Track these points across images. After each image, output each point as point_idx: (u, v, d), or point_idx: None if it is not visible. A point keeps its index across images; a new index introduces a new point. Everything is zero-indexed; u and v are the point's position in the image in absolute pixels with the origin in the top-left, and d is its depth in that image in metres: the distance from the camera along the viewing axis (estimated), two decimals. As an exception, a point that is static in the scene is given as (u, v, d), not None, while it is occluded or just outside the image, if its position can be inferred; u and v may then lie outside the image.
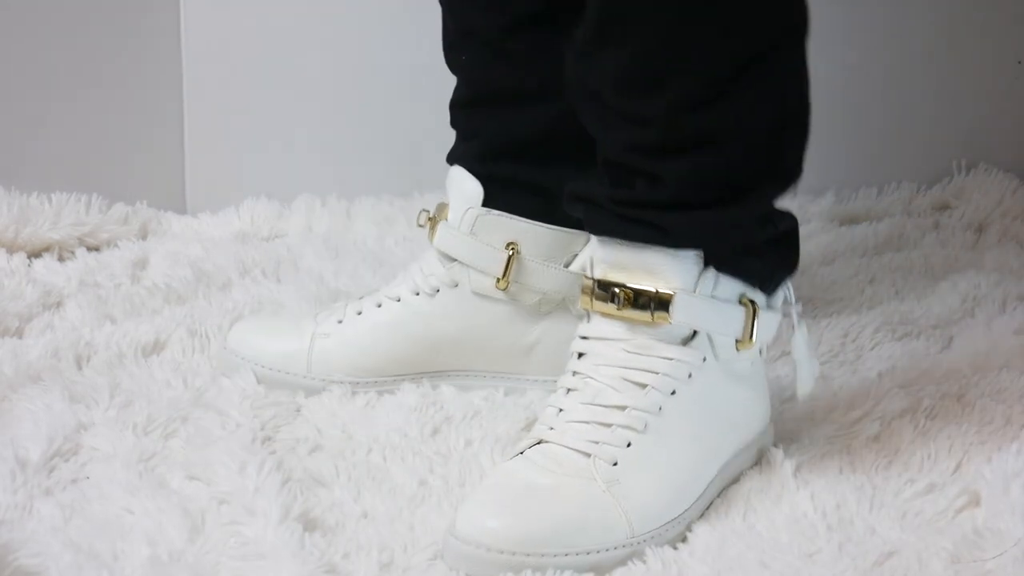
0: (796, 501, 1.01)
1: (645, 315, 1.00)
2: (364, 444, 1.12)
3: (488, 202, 1.19)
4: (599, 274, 1.02)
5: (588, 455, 0.97)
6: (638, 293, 1.00)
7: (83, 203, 1.60)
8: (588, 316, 1.03)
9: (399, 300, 1.22)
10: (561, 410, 1.01)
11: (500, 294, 1.20)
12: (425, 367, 1.22)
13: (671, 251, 1.00)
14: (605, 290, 1.01)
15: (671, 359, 1.01)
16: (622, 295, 1.00)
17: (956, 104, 1.81)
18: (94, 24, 1.65)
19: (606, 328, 1.02)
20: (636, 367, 1.00)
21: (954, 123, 1.81)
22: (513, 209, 1.19)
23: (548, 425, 1.00)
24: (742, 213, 1.01)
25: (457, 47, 1.22)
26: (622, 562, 0.95)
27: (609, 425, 0.99)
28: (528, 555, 0.93)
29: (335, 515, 1.01)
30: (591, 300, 1.02)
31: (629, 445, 0.98)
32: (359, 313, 1.23)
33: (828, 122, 1.78)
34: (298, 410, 1.18)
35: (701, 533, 0.98)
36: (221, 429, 1.13)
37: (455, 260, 1.21)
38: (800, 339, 1.07)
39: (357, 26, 1.71)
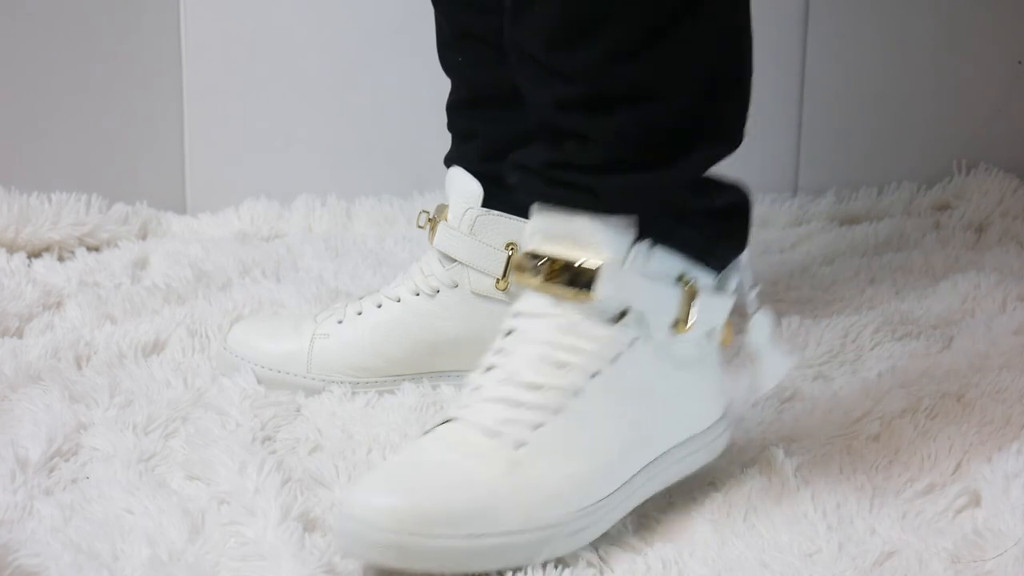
0: (797, 501, 1.01)
1: (569, 289, 0.95)
2: (364, 444, 1.12)
3: (488, 202, 1.19)
4: (532, 246, 0.97)
5: (494, 434, 0.92)
6: (563, 265, 0.95)
7: (83, 203, 1.60)
8: (523, 292, 0.98)
9: (399, 300, 1.22)
10: (477, 387, 0.96)
11: (500, 294, 1.20)
12: (425, 367, 1.22)
13: (601, 217, 0.95)
14: (535, 263, 0.96)
15: (596, 337, 0.95)
16: (545, 267, 0.96)
17: (956, 104, 1.81)
18: (94, 24, 1.65)
19: (535, 304, 0.97)
20: (559, 345, 0.95)
21: (954, 123, 1.82)
22: (513, 209, 1.19)
23: (462, 403, 0.95)
24: (675, 176, 0.97)
25: (452, 48, 1.22)
26: (523, 550, 0.90)
27: (519, 405, 0.94)
28: (412, 534, 0.87)
29: (335, 515, 1.01)
30: (518, 272, 0.97)
31: (540, 427, 0.93)
32: (359, 313, 1.23)
33: (828, 122, 1.80)
34: (298, 410, 1.18)
35: (702, 533, 0.98)
36: (221, 429, 1.13)
37: (455, 261, 1.21)
38: (756, 326, 1.02)
39: (357, 26, 1.71)
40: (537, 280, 0.96)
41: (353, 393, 1.20)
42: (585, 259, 0.95)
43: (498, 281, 1.20)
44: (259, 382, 1.21)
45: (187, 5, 1.67)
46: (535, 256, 0.97)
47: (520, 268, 0.97)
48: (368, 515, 0.88)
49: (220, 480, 1.03)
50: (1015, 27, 1.80)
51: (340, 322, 1.22)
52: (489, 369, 0.97)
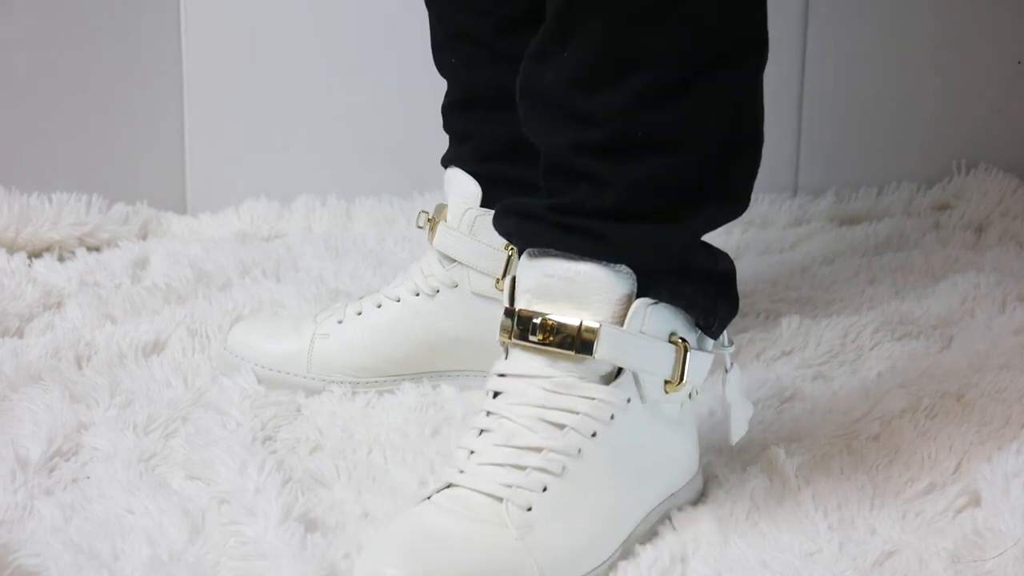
0: (798, 500, 1.01)
1: (567, 351, 0.94)
2: (364, 444, 1.12)
3: (487, 203, 1.19)
4: (522, 305, 0.96)
5: (500, 499, 0.91)
6: (559, 325, 0.94)
7: (83, 203, 1.60)
8: (506, 352, 0.97)
9: (399, 300, 1.22)
10: (472, 452, 0.94)
11: (500, 294, 1.20)
12: (425, 367, 1.22)
13: (605, 266, 0.94)
14: (526, 323, 0.95)
15: (592, 399, 0.94)
16: (543, 326, 0.94)
17: (956, 104, 1.81)
18: (94, 24, 1.65)
19: (525, 364, 0.95)
20: (555, 407, 0.94)
21: (954, 123, 1.82)
22: (513, 209, 1.19)
23: (458, 468, 0.93)
24: (683, 232, 0.97)
25: (447, 50, 1.22)
26: None
27: (523, 468, 0.92)
28: None
29: (336, 515, 1.01)
30: (510, 335, 0.96)
31: (545, 490, 0.92)
32: (359, 313, 1.23)
33: (828, 122, 1.80)
34: (298, 410, 1.18)
35: (704, 532, 0.98)
36: (221, 429, 1.13)
37: (455, 261, 1.21)
38: (733, 382, 1.02)
39: (357, 26, 1.71)
40: (534, 341, 0.95)
41: (353, 393, 1.21)
42: (584, 319, 0.94)
43: (498, 281, 1.20)
44: (259, 382, 1.21)
45: (187, 5, 1.67)
46: (529, 316, 0.95)
47: (513, 331, 0.96)
48: None
49: (220, 480, 1.03)
50: (1015, 27, 1.80)
51: (340, 322, 1.23)
52: (482, 432, 0.95)
